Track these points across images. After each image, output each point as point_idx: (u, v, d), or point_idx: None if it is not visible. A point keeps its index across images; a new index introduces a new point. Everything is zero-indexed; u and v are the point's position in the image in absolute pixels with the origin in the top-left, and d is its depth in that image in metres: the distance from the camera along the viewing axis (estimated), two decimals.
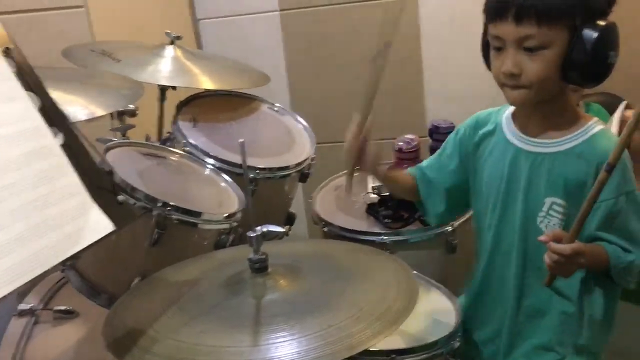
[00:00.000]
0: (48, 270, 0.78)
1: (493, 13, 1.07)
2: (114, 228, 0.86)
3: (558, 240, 1.02)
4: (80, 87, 1.27)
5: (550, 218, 1.13)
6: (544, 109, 1.12)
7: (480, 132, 1.24)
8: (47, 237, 0.79)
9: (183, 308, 0.92)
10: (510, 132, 1.18)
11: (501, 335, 1.23)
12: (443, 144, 1.33)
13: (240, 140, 0.89)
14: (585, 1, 1.02)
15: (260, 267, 0.94)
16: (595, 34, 1.01)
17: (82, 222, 0.84)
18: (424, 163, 1.35)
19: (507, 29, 1.05)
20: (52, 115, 0.88)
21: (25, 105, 0.85)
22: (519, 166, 1.16)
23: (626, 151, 1.09)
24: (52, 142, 0.85)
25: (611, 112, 1.76)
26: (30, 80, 0.88)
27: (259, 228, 0.94)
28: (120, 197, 0.92)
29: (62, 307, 1.42)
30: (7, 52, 0.87)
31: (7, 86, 0.84)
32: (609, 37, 1.03)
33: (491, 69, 1.13)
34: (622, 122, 1.45)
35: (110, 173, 0.95)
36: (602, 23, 1.02)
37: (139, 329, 0.87)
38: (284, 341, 0.81)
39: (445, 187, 1.30)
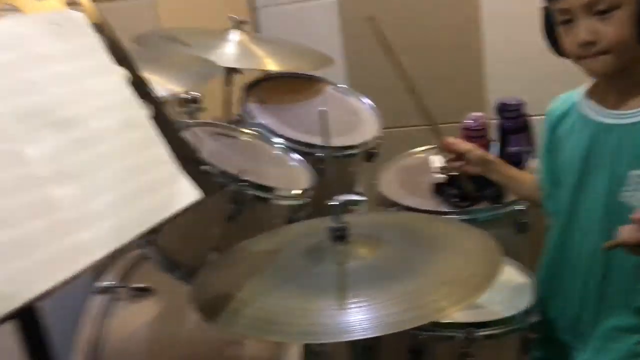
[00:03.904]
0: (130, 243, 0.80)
1: None
2: (201, 196, 0.89)
3: None
4: (157, 67, 1.30)
5: (638, 192, 1.08)
6: (622, 78, 1.09)
7: (554, 117, 1.22)
8: (141, 203, 0.82)
9: (268, 276, 0.94)
10: (589, 108, 1.15)
11: (582, 316, 1.20)
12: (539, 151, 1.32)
13: (322, 108, 0.90)
14: None
15: (341, 236, 0.95)
16: None
17: (173, 189, 0.86)
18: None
19: None
20: (141, 89, 0.91)
21: (117, 78, 0.88)
22: (601, 141, 1.12)
23: None
24: (142, 113, 0.88)
25: None
26: (120, 55, 0.92)
27: (339, 197, 0.95)
28: (204, 167, 0.94)
29: (139, 285, 1.46)
30: (99, 28, 0.90)
31: (100, 60, 0.87)
32: None
33: (564, 47, 1.10)
34: None
35: (193, 145, 0.97)
36: None
37: (228, 294, 0.89)
38: (371, 304, 0.82)
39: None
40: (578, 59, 1.08)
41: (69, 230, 0.71)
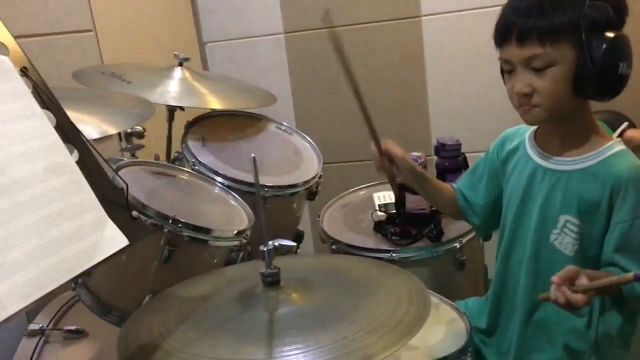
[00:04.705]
0: (62, 285, 0.79)
1: (499, 38, 1.09)
2: (128, 243, 0.87)
3: (572, 279, 0.99)
4: (92, 106, 1.29)
5: (564, 236, 1.12)
6: (563, 126, 1.13)
7: (507, 148, 1.26)
8: (63, 252, 0.79)
9: (196, 323, 0.92)
10: (531, 149, 1.20)
11: (510, 350, 1.24)
12: (475, 162, 1.36)
13: (252, 155, 0.90)
14: (590, 15, 1.02)
15: (272, 281, 0.95)
16: (602, 46, 1.01)
17: (98, 237, 0.84)
18: (458, 182, 1.38)
19: (513, 52, 1.06)
20: (68, 132, 0.90)
21: (42, 122, 0.86)
22: (537, 182, 1.17)
23: None
24: (67, 158, 0.86)
25: (615, 129, 1.77)
26: (46, 98, 0.90)
27: (270, 242, 0.95)
28: (134, 213, 0.93)
29: (72, 327, 1.42)
30: (24, 72, 0.89)
31: (24, 104, 0.85)
32: (617, 48, 1.02)
33: (508, 93, 1.14)
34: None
35: (124, 190, 0.96)
36: (609, 35, 1.02)
37: (153, 344, 0.87)
38: (298, 353, 0.81)
39: (479, 204, 1.33)
40: (516, 107, 1.12)
41: None
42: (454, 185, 1.38)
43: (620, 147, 1.11)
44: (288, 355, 0.81)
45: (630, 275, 0.95)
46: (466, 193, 1.34)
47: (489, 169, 1.30)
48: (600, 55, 1.01)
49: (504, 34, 1.07)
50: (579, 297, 0.98)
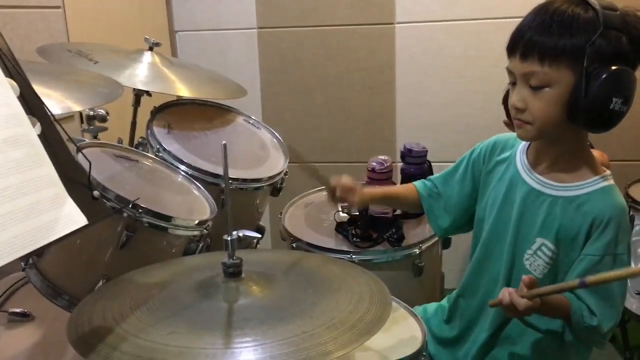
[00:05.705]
0: (11, 265, 0.75)
1: (508, 48, 1.08)
2: (87, 222, 0.84)
3: (530, 288, 1.00)
4: (56, 81, 1.24)
5: (536, 258, 1.13)
6: (555, 149, 1.12)
7: (496, 158, 1.24)
8: (18, 227, 0.76)
9: (152, 309, 0.89)
10: (521, 164, 1.18)
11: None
12: (458, 160, 1.33)
13: (223, 142, 0.89)
14: (598, 44, 0.99)
15: (234, 272, 0.93)
16: (599, 78, 0.98)
17: (56, 214, 0.81)
18: (436, 176, 1.37)
19: (515, 64, 1.06)
20: (31, 104, 0.86)
21: (5, 91, 0.82)
22: (516, 198, 1.16)
23: (627, 208, 1.09)
24: (29, 130, 0.83)
25: None
26: (11, 67, 0.86)
27: (234, 232, 0.93)
28: (96, 193, 0.90)
29: (17, 310, 1.37)
30: None
31: None
32: (614, 82, 0.99)
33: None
34: None
35: (86, 168, 0.92)
36: (613, 67, 0.99)
37: (106, 328, 0.84)
38: (256, 345, 0.80)
39: (452, 203, 1.31)
40: (512, 119, 1.12)
41: None
42: (418, 187, 1.36)
43: (609, 182, 1.10)
44: (246, 347, 0.80)
45: (575, 282, 0.95)
46: (441, 189, 1.33)
47: (472, 171, 1.28)
48: (595, 86, 0.98)
49: (512, 45, 1.06)
50: (521, 301, 0.99)
